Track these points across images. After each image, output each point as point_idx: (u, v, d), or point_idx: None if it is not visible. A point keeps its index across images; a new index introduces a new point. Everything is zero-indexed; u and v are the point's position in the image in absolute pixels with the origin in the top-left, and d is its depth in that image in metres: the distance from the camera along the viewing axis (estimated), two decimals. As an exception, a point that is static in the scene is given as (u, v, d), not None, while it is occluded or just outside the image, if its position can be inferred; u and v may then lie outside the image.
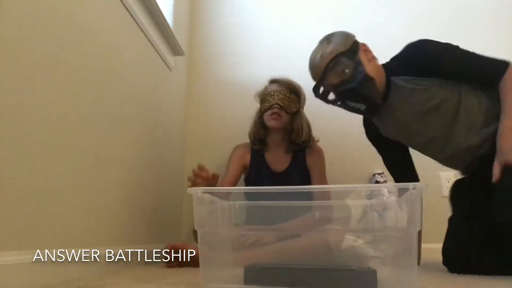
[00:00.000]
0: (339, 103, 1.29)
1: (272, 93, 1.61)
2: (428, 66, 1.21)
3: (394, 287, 0.78)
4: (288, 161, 1.62)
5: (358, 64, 1.22)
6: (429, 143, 1.28)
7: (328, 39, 1.29)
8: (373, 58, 1.29)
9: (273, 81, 1.67)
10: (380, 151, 1.51)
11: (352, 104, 1.25)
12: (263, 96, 1.65)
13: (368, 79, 1.20)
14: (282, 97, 1.59)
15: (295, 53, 2.08)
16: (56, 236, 0.87)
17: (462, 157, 1.23)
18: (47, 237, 0.84)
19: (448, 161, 1.31)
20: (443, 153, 1.26)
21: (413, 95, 1.23)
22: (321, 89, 1.30)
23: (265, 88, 1.68)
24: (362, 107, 1.25)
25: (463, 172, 1.32)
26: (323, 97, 1.32)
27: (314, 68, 1.29)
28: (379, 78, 1.25)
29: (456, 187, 1.32)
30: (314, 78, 1.31)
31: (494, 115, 1.14)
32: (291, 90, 1.63)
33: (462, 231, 1.16)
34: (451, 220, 1.24)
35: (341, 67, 1.22)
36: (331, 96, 1.31)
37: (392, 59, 1.32)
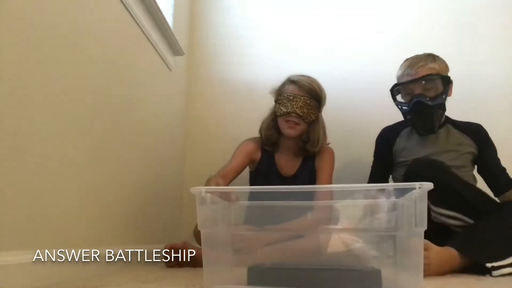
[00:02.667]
0: (404, 107, 1.45)
1: (291, 97, 1.41)
2: (480, 142, 1.46)
3: (399, 287, 0.77)
4: (297, 165, 1.53)
5: (445, 93, 1.41)
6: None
7: (433, 56, 1.46)
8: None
9: (292, 81, 1.46)
10: (380, 166, 1.64)
11: (415, 115, 1.43)
12: (280, 97, 1.45)
13: (442, 107, 1.43)
14: (302, 105, 1.40)
15: (295, 53, 2.08)
16: (56, 236, 0.86)
17: None
18: (47, 237, 0.83)
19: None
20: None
21: (451, 137, 1.48)
22: (402, 88, 1.46)
23: (283, 85, 1.48)
24: (420, 123, 1.44)
25: None
26: (396, 95, 1.47)
27: (413, 68, 1.43)
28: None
29: None
30: (406, 74, 1.45)
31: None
32: (312, 96, 1.43)
33: None
34: None
35: (433, 84, 1.40)
36: (401, 98, 1.48)
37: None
